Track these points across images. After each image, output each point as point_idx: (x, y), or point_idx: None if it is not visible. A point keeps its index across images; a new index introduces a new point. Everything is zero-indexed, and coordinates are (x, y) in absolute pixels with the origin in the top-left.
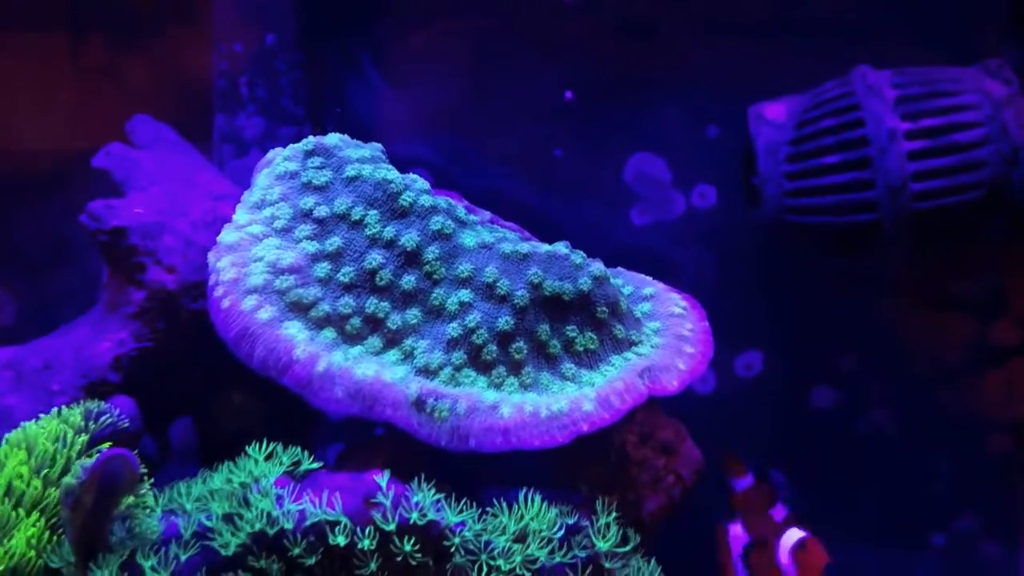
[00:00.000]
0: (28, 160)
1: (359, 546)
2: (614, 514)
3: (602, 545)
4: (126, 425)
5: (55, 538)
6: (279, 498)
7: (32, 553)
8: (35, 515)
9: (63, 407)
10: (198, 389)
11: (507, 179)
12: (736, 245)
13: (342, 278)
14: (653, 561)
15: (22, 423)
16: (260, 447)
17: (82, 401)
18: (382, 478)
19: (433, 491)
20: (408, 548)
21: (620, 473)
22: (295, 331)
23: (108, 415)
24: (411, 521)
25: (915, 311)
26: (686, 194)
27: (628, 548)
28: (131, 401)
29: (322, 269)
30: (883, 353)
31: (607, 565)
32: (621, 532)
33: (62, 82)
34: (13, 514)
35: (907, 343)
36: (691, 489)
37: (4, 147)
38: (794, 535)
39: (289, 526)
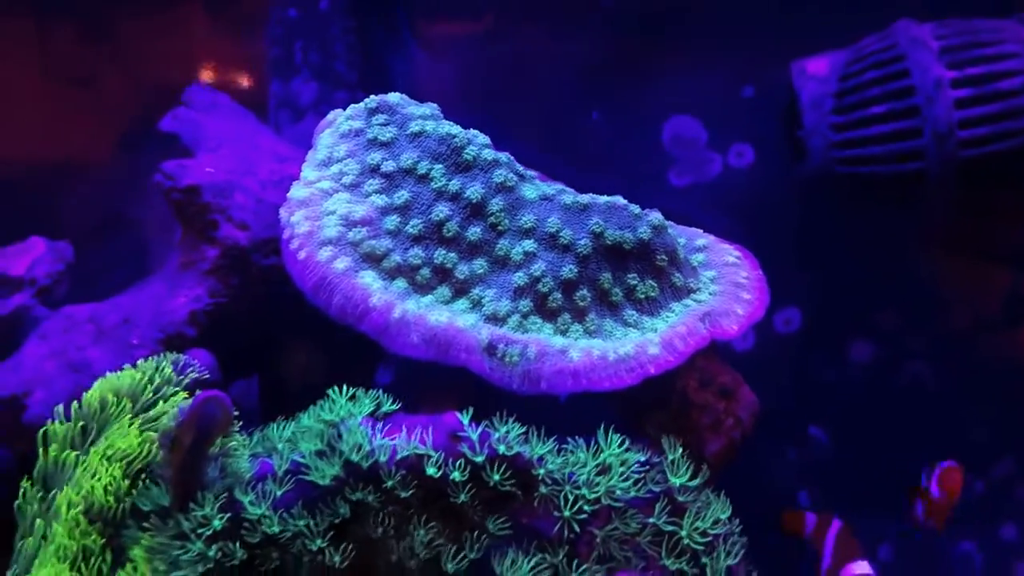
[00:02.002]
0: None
1: (450, 477)
2: (681, 451)
3: (675, 480)
4: (206, 376)
5: (141, 482)
6: (369, 434)
7: (110, 499)
8: (116, 464)
9: (145, 359)
10: (266, 345)
11: (544, 142)
12: (773, 203)
13: (411, 230)
14: (722, 495)
15: (106, 373)
16: (341, 391)
17: (162, 354)
18: (464, 416)
19: (516, 426)
20: (498, 478)
21: (682, 417)
22: (370, 280)
23: (190, 367)
24: (499, 452)
25: (955, 263)
26: (723, 154)
27: (698, 483)
28: (209, 354)
29: (391, 222)
30: (922, 306)
31: (680, 499)
32: (691, 468)
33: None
34: (103, 456)
35: (946, 295)
36: (749, 432)
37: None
38: (860, 568)
39: (383, 459)
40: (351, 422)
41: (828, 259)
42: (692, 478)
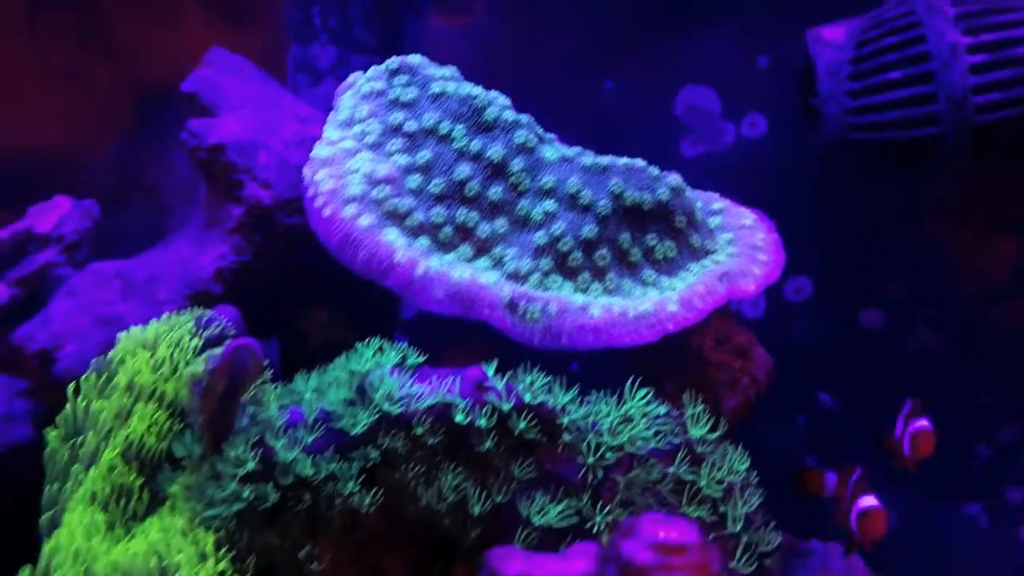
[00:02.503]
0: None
1: (477, 424)
2: (701, 406)
3: (695, 432)
4: (232, 332)
5: (174, 428)
6: (398, 383)
7: (152, 438)
8: (153, 405)
9: (174, 313)
10: (286, 304)
11: (558, 111)
12: (785, 173)
13: (433, 189)
14: (740, 447)
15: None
16: (367, 343)
17: (189, 309)
18: (489, 367)
19: (540, 376)
20: (523, 425)
21: (699, 375)
22: (394, 237)
23: (216, 322)
24: (524, 401)
25: (965, 232)
26: (736, 124)
27: (717, 435)
28: (235, 310)
29: (414, 181)
30: (931, 275)
31: (699, 450)
32: (709, 421)
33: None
34: (135, 405)
35: (955, 264)
36: (763, 391)
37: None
38: (866, 501)
39: (412, 407)
40: (380, 371)
41: (839, 228)
42: (710, 431)
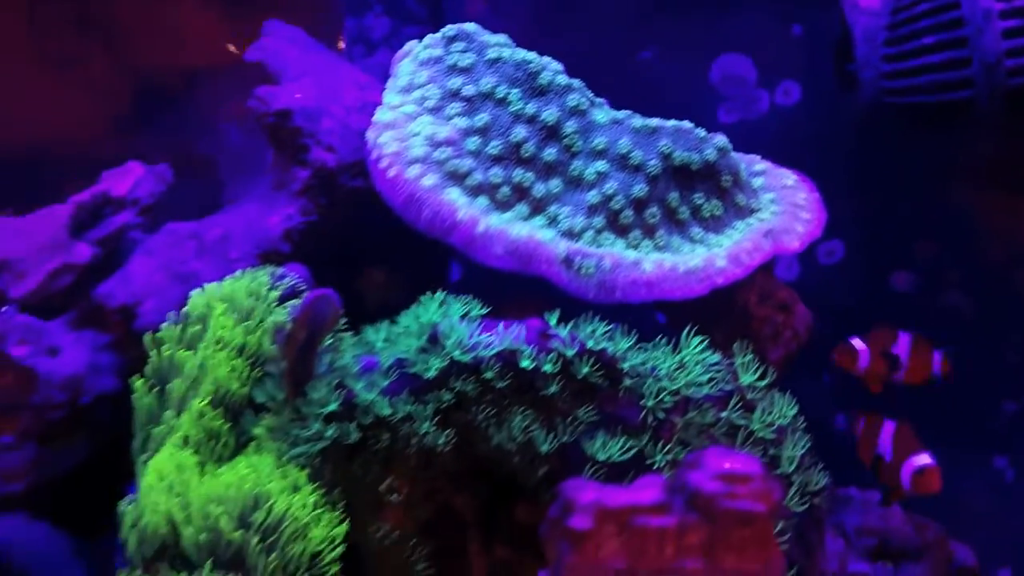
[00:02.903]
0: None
1: (543, 369)
2: (750, 355)
3: (745, 379)
4: (304, 288)
5: (254, 376)
6: (468, 331)
7: (235, 384)
8: (234, 355)
9: (252, 269)
10: (347, 265)
11: (596, 81)
12: (818, 139)
13: (491, 151)
14: (788, 393)
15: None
16: (432, 297)
17: (261, 267)
18: (551, 317)
19: (600, 325)
20: (586, 370)
21: (744, 328)
22: (456, 196)
23: (288, 278)
24: (588, 347)
25: (994, 196)
26: (771, 92)
27: (765, 383)
28: (304, 268)
29: (473, 143)
30: (961, 238)
31: (749, 396)
32: (759, 370)
33: None
34: (217, 354)
35: (984, 227)
36: (804, 344)
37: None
38: (921, 460)
39: (482, 353)
40: (449, 320)
41: (870, 193)
42: (759, 380)
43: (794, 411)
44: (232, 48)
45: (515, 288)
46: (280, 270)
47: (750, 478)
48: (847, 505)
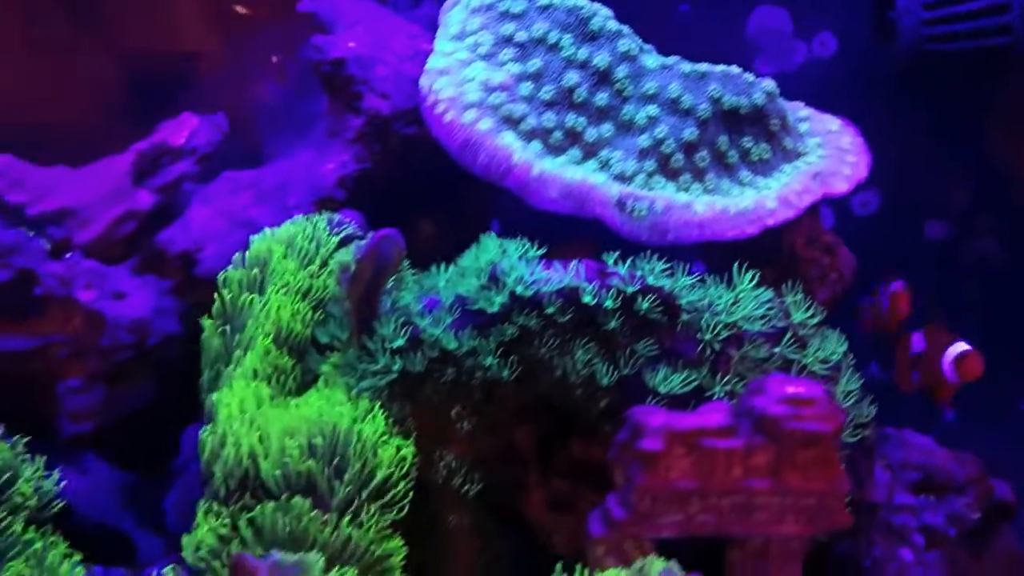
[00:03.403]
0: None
1: (604, 305)
2: (799, 295)
3: (797, 316)
4: (359, 234)
5: (315, 317)
6: (529, 269)
7: (299, 325)
8: (297, 296)
9: (308, 215)
10: (396, 213)
11: (636, 33)
12: (853, 90)
13: (544, 96)
14: (838, 331)
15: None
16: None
17: (317, 213)
18: (609, 256)
19: (658, 263)
20: (646, 306)
21: (792, 270)
22: (511, 140)
23: (345, 223)
24: (647, 283)
25: None
26: (807, 43)
27: (816, 320)
28: (359, 214)
29: (526, 88)
30: (994, 185)
31: (801, 333)
32: (809, 308)
33: None
34: (280, 295)
35: (1017, 175)
36: (848, 287)
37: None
38: (959, 347)
39: (543, 290)
40: (510, 259)
41: (905, 142)
42: (810, 317)
43: (844, 348)
44: (242, 9)
45: (554, 241)
46: (336, 216)
47: (814, 401)
48: (888, 442)
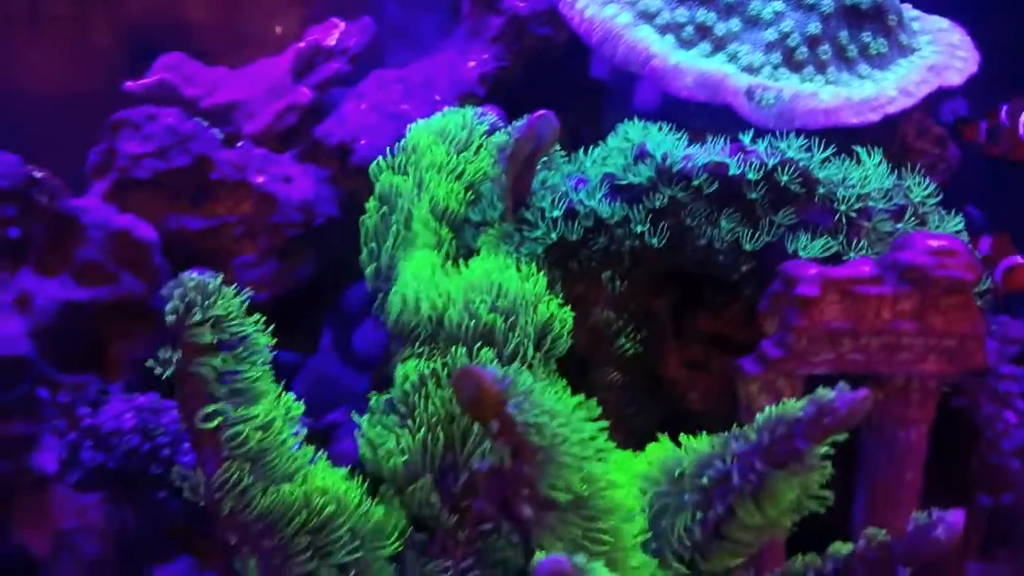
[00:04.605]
0: None
1: (747, 177)
2: (918, 177)
3: (916, 195)
4: (501, 125)
5: (469, 197)
6: (674, 145)
7: (454, 203)
8: (451, 178)
9: (456, 107)
10: (526, 111)
11: None
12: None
13: None
14: (954, 211)
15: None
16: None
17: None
18: (745, 135)
19: (796, 140)
20: (786, 178)
21: (903, 160)
22: (647, 33)
23: (488, 114)
24: (787, 156)
25: None
26: None
27: (934, 201)
28: (499, 108)
29: None
30: None
31: (921, 211)
32: (927, 188)
33: None
34: (437, 176)
35: None
36: (954, 175)
37: None
38: (1015, 259)
39: (689, 164)
40: (656, 137)
41: (997, 49)
42: (928, 196)
43: (961, 226)
44: None
45: None
46: (481, 108)
47: (957, 252)
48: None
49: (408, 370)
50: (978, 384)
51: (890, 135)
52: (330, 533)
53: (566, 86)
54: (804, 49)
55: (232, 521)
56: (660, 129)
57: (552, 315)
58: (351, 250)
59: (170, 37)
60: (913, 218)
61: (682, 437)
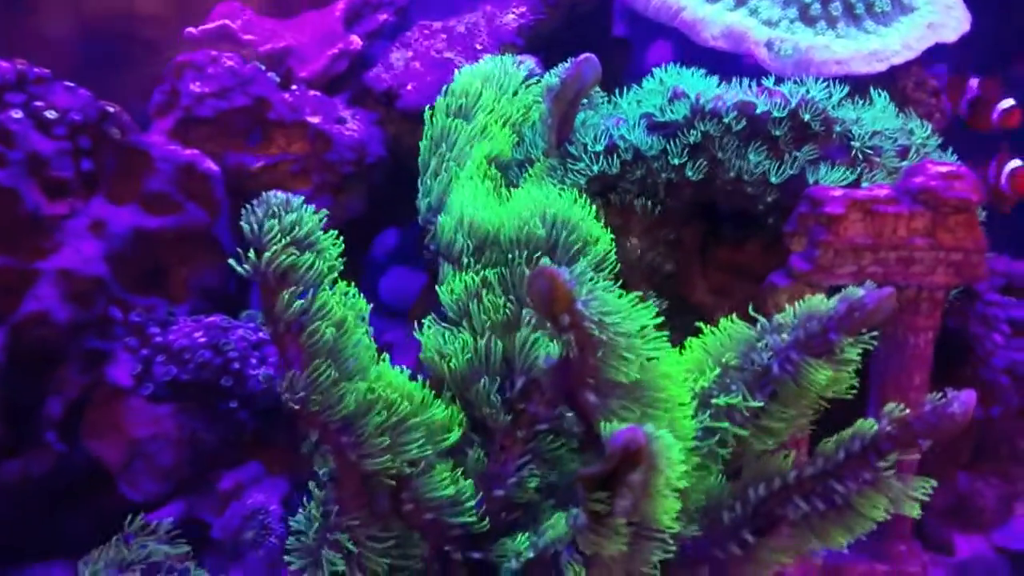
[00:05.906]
0: None
1: (773, 114)
2: (919, 121)
3: (918, 137)
4: (539, 72)
5: (512, 138)
6: (706, 86)
7: (504, 145)
8: (495, 118)
9: (496, 55)
10: (555, 64)
11: None
12: None
13: None
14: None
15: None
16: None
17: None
18: (767, 80)
19: (816, 85)
20: (808, 117)
21: (901, 109)
22: None
23: (528, 61)
24: (810, 97)
25: None
26: None
27: (935, 142)
28: (537, 58)
29: None
30: None
31: (922, 151)
32: (927, 131)
33: None
34: (486, 118)
35: None
36: (950, 122)
37: None
38: (1013, 163)
39: (720, 103)
40: (690, 79)
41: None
42: (928, 138)
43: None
44: None
45: None
46: (520, 57)
47: (963, 176)
48: None
49: (467, 280)
50: (968, 307)
51: (891, 86)
52: (405, 431)
53: (594, 42)
54: (817, 5)
55: (315, 418)
56: (693, 74)
57: (599, 235)
58: (391, 191)
59: None
60: (916, 156)
61: (723, 322)
